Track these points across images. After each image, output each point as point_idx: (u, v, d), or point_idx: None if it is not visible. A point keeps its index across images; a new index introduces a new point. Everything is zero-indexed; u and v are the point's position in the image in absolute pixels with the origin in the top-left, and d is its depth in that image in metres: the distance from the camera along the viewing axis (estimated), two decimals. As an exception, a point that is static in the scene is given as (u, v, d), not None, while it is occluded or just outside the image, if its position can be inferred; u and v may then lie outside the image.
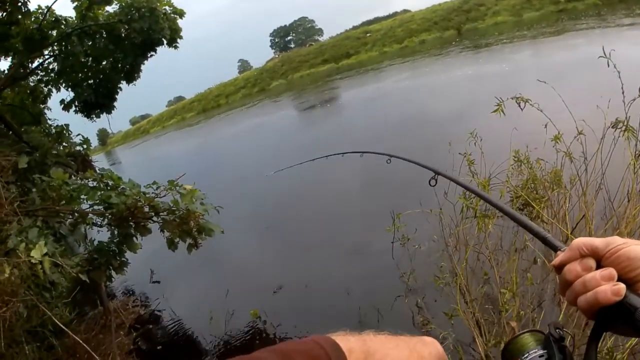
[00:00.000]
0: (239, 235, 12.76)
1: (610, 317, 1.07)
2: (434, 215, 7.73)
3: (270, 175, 11.51)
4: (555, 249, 1.36)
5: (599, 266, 1.12)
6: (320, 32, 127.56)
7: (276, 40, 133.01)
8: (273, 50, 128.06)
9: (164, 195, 7.64)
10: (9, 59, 12.03)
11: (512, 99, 6.79)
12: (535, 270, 6.73)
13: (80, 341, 7.30)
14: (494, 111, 6.76)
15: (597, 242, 1.14)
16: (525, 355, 1.27)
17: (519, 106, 6.78)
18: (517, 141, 8.04)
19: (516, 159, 7.96)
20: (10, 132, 11.20)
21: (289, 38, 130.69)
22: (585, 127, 6.72)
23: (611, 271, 1.08)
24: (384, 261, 8.55)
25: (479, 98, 16.19)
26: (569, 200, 7.11)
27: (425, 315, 6.94)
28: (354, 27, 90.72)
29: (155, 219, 7.81)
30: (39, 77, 13.23)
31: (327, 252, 10.42)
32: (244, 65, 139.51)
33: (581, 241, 1.16)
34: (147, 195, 7.62)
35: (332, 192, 13.87)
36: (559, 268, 1.21)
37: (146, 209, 7.71)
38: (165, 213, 7.67)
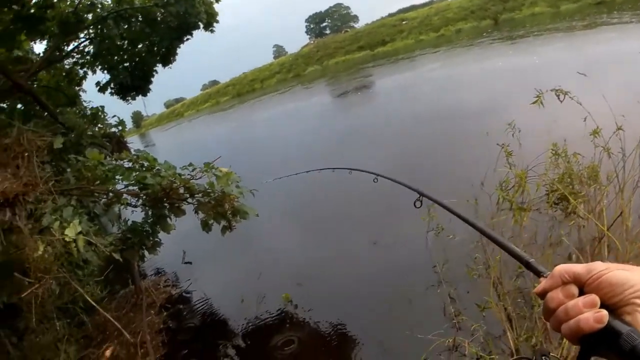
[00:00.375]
0: (272, 220, 12.80)
1: (594, 343, 1.08)
2: (470, 206, 7.70)
3: (269, 182, 11.47)
4: (539, 275, 1.38)
5: (581, 292, 1.14)
6: (355, 18, 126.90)
7: (311, 26, 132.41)
8: (308, 36, 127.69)
9: (200, 177, 7.74)
10: (45, 42, 12.15)
11: (551, 90, 6.74)
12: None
13: (111, 318, 7.41)
14: (534, 102, 6.72)
15: (579, 268, 1.15)
16: None
17: (558, 98, 6.73)
18: (555, 134, 7.98)
19: (554, 152, 7.88)
20: (46, 114, 11.33)
21: (324, 24, 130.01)
22: (625, 123, 6.66)
23: (593, 298, 1.10)
24: (417, 251, 8.54)
25: (515, 89, 16.08)
26: (606, 197, 6.99)
27: (457, 306, 6.86)
28: (390, 15, 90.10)
29: (190, 200, 7.91)
30: (74, 59, 13.28)
31: (362, 241, 10.37)
32: (279, 51, 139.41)
33: (563, 268, 1.18)
34: (183, 177, 7.72)
35: (365, 181, 13.80)
36: (542, 295, 1.22)
37: (181, 191, 7.81)
38: (200, 195, 7.76)
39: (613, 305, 1.09)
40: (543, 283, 1.22)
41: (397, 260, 8.87)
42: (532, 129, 8.31)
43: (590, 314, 1.07)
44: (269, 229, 12.64)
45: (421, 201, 3.31)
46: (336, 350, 7.14)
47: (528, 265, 1.53)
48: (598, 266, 1.13)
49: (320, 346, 7.45)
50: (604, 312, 1.06)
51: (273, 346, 7.83)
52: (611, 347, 1.05)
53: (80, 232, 6.20)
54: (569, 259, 6.71)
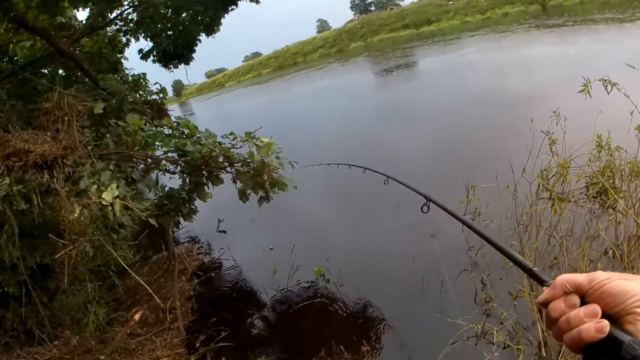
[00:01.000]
0: (308, 198, 12.85)
1: (596, 353, 1.08)
2: (509, 192, 7.66)
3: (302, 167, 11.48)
4: (542, 283, 1.39)
5: (583, 303, 1.14)
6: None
7: (356, 2, 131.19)
8: (353, 12, 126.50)
9: (240, 147, 7.76)
10: (88, 9, 12.25)
11: (599, 80, 6.66)
12: (605, 262, 6.57)
13: (143, 282, 7.52)
14: (580, 91, 6.64)
15: (581, 278, 1.16)
16: None
17: (606, 89, 6.65)
18: (600, 126, 7.89)
19: (598, 144, 7.79)
20: (87, 79, 11.45)
21: (369, 0, 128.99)
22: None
23: (595, 308, 1.10)
24: (452, 234, 8.48)
25: (562, 78, 15.89)
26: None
27: (489, 292, 6.85)
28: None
29: (228, 169, 7.97)
30: (117, 26, 13.38)
31: (397, 221, 10.36)
32: (322, 26, 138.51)
33: (564, 278, 1.18)
34: (223, 146, 7.75)
35: (404, 161, 13.73)
36: (544, 305, 1.22)
37: (220, 159, 7.88)
38: (239, 164, 7.82)
39: (614, 315, 1.10)
40: (545, 293, 1.24)
41: (433, 242, 8.76)
42: (578, 119, 8.21)
43: (591, 324, 1.08)
44: (305, 206, 12.67)
45: (428, 206, 3.32)
46: (365, 328, 7.15)
47: (530, 273, 1.54)
48: (599, 276, 1.14)
49: (349, 322, 7.49)
50: (605, 322, 1.08)
51: (302, 319, 7.92)
52: (613, 357, 1.06)
53: (117, 196, 6.29)
54: (605, 255, 6.66)
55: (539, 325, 5.53)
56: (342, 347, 6.68)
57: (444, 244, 8.52)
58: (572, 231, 7.14)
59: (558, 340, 1.17)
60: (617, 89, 6.58)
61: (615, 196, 6.90)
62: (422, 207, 3.30)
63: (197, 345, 7.71)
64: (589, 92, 6.56)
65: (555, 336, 1.18)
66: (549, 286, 1.24)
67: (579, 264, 5.82)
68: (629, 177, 7.37)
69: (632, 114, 6.81)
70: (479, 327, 6.01)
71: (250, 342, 7.76)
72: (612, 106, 7.19)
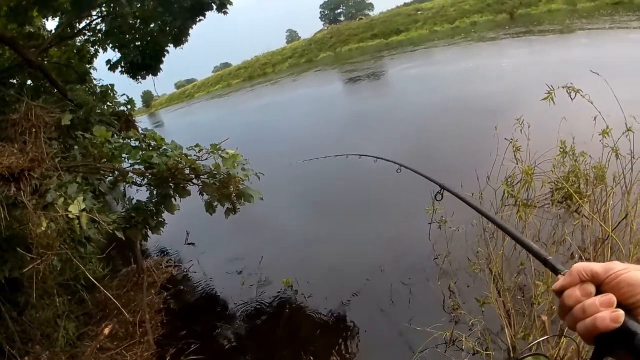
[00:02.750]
0: (277, 204, 12.77)
1: (609, 343, 1.08)
2: (474, 199, 7.69)
3: (299, 163, 11.45)
4: (557, 273, 1.40)
5: (599, 292, 1.13)
6: (371, 6, 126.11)
7: (326, 13, 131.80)
8: (322, 23, 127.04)
9: (206, 159, 7.79)
10: (57, 19, 12.19)
11: (562, 88, 6.72)
12: (572, 266, 6.54)
13: (111, 297, 7.45)
14: (544, 99, 6.68)
15: (598, 267, 1.15)
16: None
17: (570, 96, 6.70)
18: (564, 132, 7.95)
19: (562, 149, 7.86)
20: (56, 90, 11.38)
21: (339, 11, 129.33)
22: (636, 125, 6.64)
23: (610, 297, 1.09)
24: (419, 242, 8.55)
25: (527, 86, 16.05)
26: (612, 198, 6.97)
27: (457, 299, 6.93)
28: (406, 4, 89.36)
29: (195, 181, 7.99)
30: (86, 37, 13.34)
31: (364, 229, 10.41)
32: (292, 36, 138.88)
33: (581, 266, 1.17)
34: (189, 158, 7.75)
35: (367, 173, 13.78)
36: (560, 293, 1.21)
37: (187, 171, 7.88)
38: (206, 176, 7.84)
39: (630, 306, 1.10)
40: (561, 280, 1.22)
41: (400, 250, 8.92)
42: (542, 126, 8.27)
43: (606, 313, 1.08)
44: (274, 213, 12.64)
45: (442, 194, 3.33)
46: (334, 338, 7.17)
47: (546, 263, 1.56)
48: (616, 266, 1.14)
49: (318, 333, 7.53)
50: (621, 312, 1.07)
51: (272, 331, 7.95)
52: (626, 347, 1.06)
53: (84, 210, 6.23)
54: (571, 259, 6.73)
55: (507, 331, 5.56)
56: (312, 358, 6.70)
57: (410, 252, 8.70)
58: (539, 237, 7.21)
59: (571, 329, 1.17)
60: (581, 95, 6.64)
61: (580, 201, 6.97)
62: (435, 195, 3.28)
63: (168, 358, 7.69)
64: (552, 100, 6.62)
65: (569, 325, 1.18)
66: (564, 275, 1.23)
67: (546, 269, 5.84)
68: (594, 182, 7.44)
69: (595, 119, 6.88)
70: (448, 334, 6.07)
71: (220, 355, 7.78)
72: (576, 113, 7.27)
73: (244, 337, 8.14)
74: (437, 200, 3.29)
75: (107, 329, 8.44)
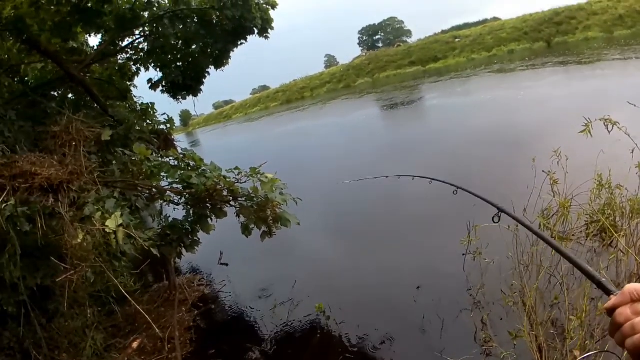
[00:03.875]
0: (312, 230, 12.81)
1: None
2: (510, 232, 7.63)
3: (345, 183, 11.41)
4: (609, 293, 1.44)
5: None
6: (408, 33, 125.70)
7: (364, 38, 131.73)
8: (360, 48, 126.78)
9: (245, 181, 7.82)
10: (99, 35, 12.38)
11: (600, 120, 6.69)
12: (606, 300, 6.40)
13: (142, 311, 7.50)
14: (582, 132, 6.68)
15: None
16: None
17: (607, 128, 6.68)
18: (601, 165, 7.90)
19: (598, 182, 7.81)
20: (96, 105, 11.54)
21: (377, 37, 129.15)
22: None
23: None
24: (453, 273, 8.49)
25: (566, 116, 15.86)
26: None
27: (489, 332, 6.80)
28: (443, 32, 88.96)
29: (232, 203, 8.02)
30: (128, 55, 13.54)
31: (398, 257, 10.32)
32: (330, 61, 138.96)
33: (633, 287, 1.23)
34: (228, 180, 7.80)
35: (404, 201, 13.69)
36: (611, 311, 1.27)
37: (225, 193, 7.93)
38: (243, 198, 7.87)
39: None
40: (613, 299, 1.28)
41: (434, 280, 8.82)
42: (579, 158, 8.22)
43: None
44: (309, 236, 12.64)
45: (499, 217, 3.37)
46: None
47: (599, 285, 1.61)
48: None
49: (348, 359, 7.46)
50: None
51: (301, 355, 7.89)
52: None
53: (120, 225, 6.31)
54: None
55: None
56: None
57: (444, 283, 8.54)
58: (573, 270, 7.09)
59: (620, 345, 1.22)
60: (618, 127, 6.61)
61: (616, 235, 6.90)
62: (493, 217, 3.33)
63: (194, 376, 7.66)
64: (590, 132, 6.60)
65: (618, 341, 1.23)
66: (615, 295, 1.29)
67: (580, 303, 5.80)
68: (630, 215, 7.38)
69: (632, 152, 6.84)
70: None
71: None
72: (613, 145, 7.22)
73: (272, 359, 8.09)
74: (494, 222, 3.32)
75: (135, 342, 8.47)
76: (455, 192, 4.99)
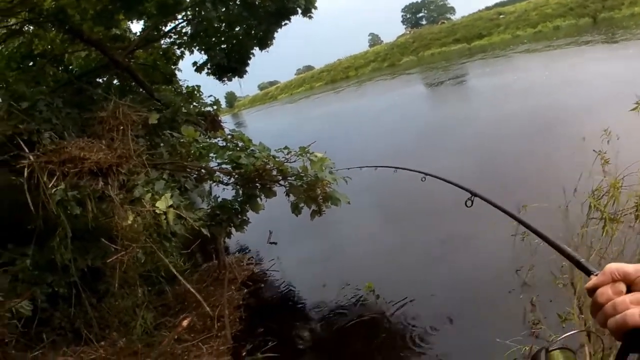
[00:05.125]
0: (361, 210, 12.70)
1: (637, 339, 1.13)
2: (560, 212, 7.54)
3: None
4: (589, 273, 1.46)
5: (629, 291, 1.19)
6: (452, 10, 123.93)
7: (408, 16, 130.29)
8: (404, 26, 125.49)
9: (294, 161, 7.87)
10: (142, 22, 12.51)
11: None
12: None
13: (192, 289, 7.62)
14: (634, 109, 6.60)
15: (629, 267, 1.21)
16: None
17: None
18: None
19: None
20: (142, 90, 11.69)
21: (420, 15, 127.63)
22: None
23: None
24: (502, 253, 8.42)
25: (614, 95, 15.52)
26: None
27: (538, 314, 6.70)
28: (487, 8, 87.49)
29: (282, 182, 8.08)
30: (172, 39, 13.74)
31: (446, 240, 10.22)
32: (374, 40, 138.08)
33: (614, 266, 1.24)
34: (277, 159, 7.87)
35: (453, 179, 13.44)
36: (592, 291, 1.28)
37: (274, 172, 7.99)
38: (293, 178, 7.90)
39: None
40: (594, 279, 1.28)
41: (483, 261, 8.71)
42: (631, 137, 8.08)
43: (636, 310, 1.13)
44: (357, 218, 12.58)
45: (472, 200, 3.37)
46: (413, 346, 7.07)
47: (579, 265, 1.62)
48: None
49: (397, 340, 7.43)
50: None
51: (350, 334, 7.89)
52: None
53: (171, 206, 6.43)
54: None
55: (586, 349, 5.44)
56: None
57: (494, 263, 8.46)
58: (623, 253, 6.99)
59: (601, 325, 1.22)
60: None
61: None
62: (466, 201, 3.34)
63: (243, 354, 7.76)
64: (641, 111, 6.50)
65: (599, 321, 1.24)
66: (596, 275, 1.29)
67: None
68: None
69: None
70: (527, 348, 5.92)
71: (296, 355, 7.81)
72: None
73: (321, 338, 8.14)
74: (467, 206, 3.32)
75: (185, 320, 8.58)
76: (423, 179, 4.94)
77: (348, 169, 8.51)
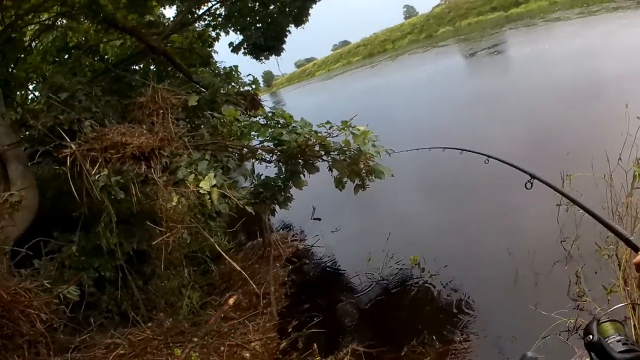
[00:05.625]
0: (401, 186, 12.56)
1: None
2: (604, 182, 7.45)
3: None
4: (637, 250, 1.52)
5: None
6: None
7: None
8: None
9: (336, 135, 7.92)
10: (174, 7, 12.62)
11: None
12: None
13: (238, 267, 7.70)
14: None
15: None
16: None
17: None
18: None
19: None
20: (179, 74, 11.78)
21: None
22: None
23: None
24: (547, 224, 8.25)
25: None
26: None
27: (582, 286, 6.65)
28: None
29: (324, 157, 8.15)
30: (206, 22, 13.88)
31: (491, 208, 10.17)
32: (409, 11, 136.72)
33: None
34: (319, 134, 7.92)
35: (496, 151, 13.40)
36: (639, 266, 1.33)
37: (316, 148, 8.06)
38: (335, 152, 7.96)
39: None
40: None
41: (527, 233, 8.70)
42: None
43: None
44: (399, 194, 12.55)
45: (532, 183, 3.37)
46: (458, 318, 7.08)
47: (628, 242, 1.68)
48: None
49: (442, 312, 7.46)
50: None
51: (395, 307, 7.95)
52: None
53: (214, 185, 6.52)
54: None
55: (631, 322, 5.39)
56: (434, 337, 6.65)
57: (538, 235, 8.40)
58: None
59: None
60: None
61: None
62: (525, 183, 3.35)
63: (290, 330, 7.83)
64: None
65: None
66: None
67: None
68: None
69: None
70: (572, 321, 5.83)
71: (342, 329, 7.85)
72: None
73: (366, 312, 8.16)
74: (526, 188, 3.33)
75: (231, 299, 8.68)
76: (486, 162, 4.89)
77: (417, 149, 8.53)
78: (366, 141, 7.60)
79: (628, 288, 5.70)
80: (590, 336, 1.57)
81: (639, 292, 1.39)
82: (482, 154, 5.04)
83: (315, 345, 7.04)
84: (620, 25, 28.73)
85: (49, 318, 6.67)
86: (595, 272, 6.86)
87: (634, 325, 5.17)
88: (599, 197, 7.41)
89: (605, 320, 1.52)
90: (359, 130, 7.65)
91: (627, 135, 7.18)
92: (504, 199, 9.92)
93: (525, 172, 3.44)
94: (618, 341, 1.53)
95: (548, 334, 5.73)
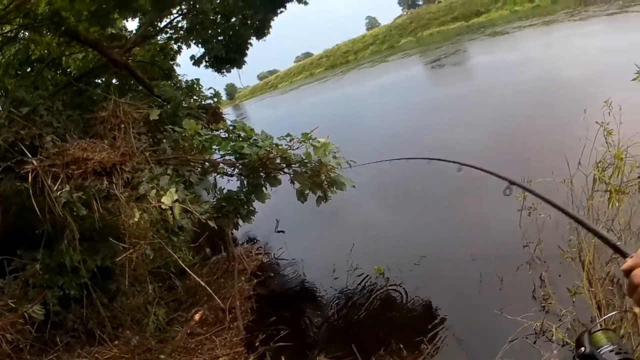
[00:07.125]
0: (364, 197, 12.69)
1: None
2: (565, 186, 7.53)
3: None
4: (625, 256, 1.51)
5: None
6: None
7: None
8: (401, 7, 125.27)
9: (297, 148, 7.87)
10: (137, 19, 12.55)
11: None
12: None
13: (202, 283, 7.67)
14: (635, 79, 6.59)
15: None
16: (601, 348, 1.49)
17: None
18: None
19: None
20: (141, 87, 11.72)
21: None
22: None
23: None
24: (509, 230, 8.39)
25: (613, 66, 15.41)
26: None
27: (547, 289, 6.70)
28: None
29: (286, 170, 8.09)
30: (168, 34, 13.78)
31: (452, 217, 10.27)
32: (371, 22, 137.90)
33: None
34: (280, 147, 7.86)
35: (457, 156, 13.49)
36: (628, 272, 1.34)
37: (278, 160, 7.99)
38: (297, 165, 7.92)
39: None
40: (630, 261, 1.37)
41: (490, 239, 8.78)
42: (632, 108, 8.02)
43: None
44: (363, 206, 12.65)
45: (510, 189, 3.35)
46: (424, 325, 7.07)
47: (615, 248, 1.67)
48: None
49: (409, 320, 7.50)
50: None
51: (362, 318, 7.92)
52: None
53: (176, 200, 6.46)
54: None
55: (598, 321, 5.41)
56: (402, 346, 6.65)
57: (501, 241, 8.51)
58: (630, 224, 7.01)
59: (637, 305, 1.28)
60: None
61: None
62: (504, 190, 3.33)
63: (257, 344, 7.79)
64: (642, 81, 6.48)
65: (636, 301, 1.34)
66: (632, 257, 1.36)
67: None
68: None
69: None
70: (538, 324, 5.93)
71: (309, 341, 7.84)
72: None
73: (333, 323, 8.18)
74: (505, 194, 3.31)
75: (197, 314, 8.64)
76: (459, 170, 4.87)
77: (388, 161, 8.55)
78: (327, 153, 7.58)
79: (592, 289, 5.79)
80: (583, 348, 1.56)
81: (630, 298, 1.38)
82: (453, 162, 5.01)
83: (283, 358, 7.05)
84: (576, 34, 29.29)
85: (15, 338, 6.61)
86: (559, 275, 6.96)
87: (628, 332, 5.22)
88: (560, 201, 7.41)
89: (597, 330, 1.51)
90: (319, 142, 7.64)
91: (586, 140, 7.27)
92: (469, 206, 10.00)
93: (503, 178, 3.42)
94: (611, 351, 1.52)
95: (515, 337, 5.79)
